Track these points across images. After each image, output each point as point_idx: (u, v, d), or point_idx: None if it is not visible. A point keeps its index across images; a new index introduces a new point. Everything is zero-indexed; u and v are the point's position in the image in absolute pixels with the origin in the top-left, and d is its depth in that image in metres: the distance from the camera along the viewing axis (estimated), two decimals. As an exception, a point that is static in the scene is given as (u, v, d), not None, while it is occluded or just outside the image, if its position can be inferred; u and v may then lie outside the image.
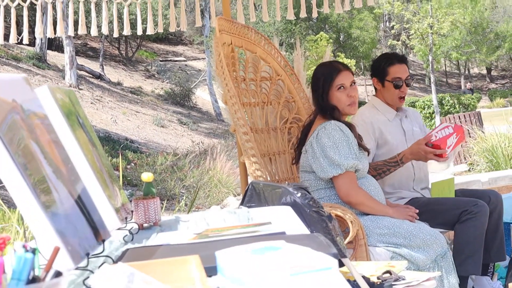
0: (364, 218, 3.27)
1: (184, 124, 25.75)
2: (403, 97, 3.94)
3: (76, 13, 4.32)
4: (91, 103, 23.27)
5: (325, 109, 3.49)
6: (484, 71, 54.50)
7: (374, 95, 4.06)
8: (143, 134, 22.30)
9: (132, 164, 14.41)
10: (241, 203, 2.92)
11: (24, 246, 0.96)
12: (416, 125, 4.06)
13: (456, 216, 3.54)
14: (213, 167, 12.71)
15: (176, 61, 39.01)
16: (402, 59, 3.95)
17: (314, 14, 4.82)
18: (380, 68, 3.91)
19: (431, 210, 3.61)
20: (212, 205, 10.77)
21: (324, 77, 3.51)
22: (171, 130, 24.43)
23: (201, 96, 32.63)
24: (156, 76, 34.76)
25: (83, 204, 1.49)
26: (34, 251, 0.95)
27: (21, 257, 0.91)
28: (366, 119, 3.81)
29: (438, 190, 3.91)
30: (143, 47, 38.29)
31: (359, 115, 3.90)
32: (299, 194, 2.49)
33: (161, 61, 37.68)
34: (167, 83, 32.68)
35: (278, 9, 4.82)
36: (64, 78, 24.45)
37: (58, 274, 0.94)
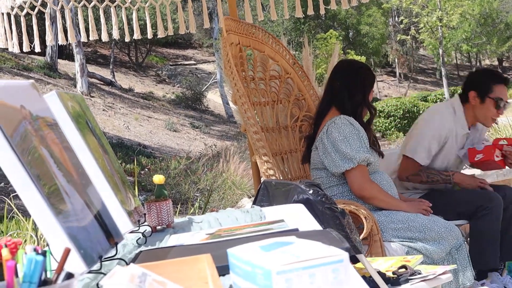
0: (378, 213, 3.26)
1: (197, 128, 25.78)
2: (495, 120, 3.90)
3: (85, 20, 4.34)
4: (103, 110, 23.36)
5: (358, 106, 3.48)
6: (496, 63, 54.13)
7: (461, 103, 3.93)
8: (156, 139, 22.35)
9: (146, 169, 14.43)
10: (254, 203, 2.93)
11: (35, 249, 0.97)
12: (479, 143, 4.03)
13: (471, 210, 3.55)
14: (226, 169, 12.71)
15: (186, 65, 39.06)
16: (506, 81, 3.90)
17: (322, 11, 4.82)
18: (483, 83, 3.83)
19: (446, 202, 3.62)
20: (227, 207, 10.76)
21: (370, 76, 3.57)
22: (184, 134, 24.47)
23: (213, 99, 32.67)
24: (167, 80, 34.85)
25: (95, 208, 1.50)
26: (44, 253, 0.95)
27: (32, 259, 0.91)
28: (444, 123, 3.81)
29: None
30: (153, 52, 38.36)
31: (438, 112, 3.90)
32: (311, 191, 2.49)
33: (171, 65, 37.76)
34: (178, 87, 32.75)
35: (286, 8, 4.81)
36: (75, 86, 24.57)
37: (69, 276, 0.95)
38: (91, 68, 29.38)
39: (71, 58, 28.85)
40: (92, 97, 24.29)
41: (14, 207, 4.97)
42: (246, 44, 3.89)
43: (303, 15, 4.75)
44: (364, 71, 3.56)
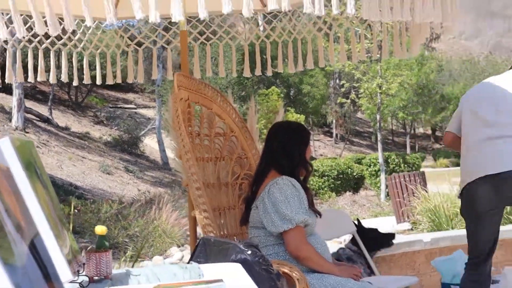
0: (310, 275, 3.31)
1: (131, 172, 25.54)
2: None
3: (35, 58, 4.33)
4: (37, 147, 22.92)
5: (296, 165, 3.56)
6: (429, 131, 55.96)
7: None
8: (88, 181, 22.02)
9: (76, 210, 14.16)
10: (191, 259, 2.94)
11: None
12: None
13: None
14: (158, 216, 12.60)
15: (126, 108, 38.84)
16: None
17: (269, 73, 4.96)
18: None
19: None
20: (155, 255, 10.66)
21: (306, 134, 3.65)
22: (117, 177, 24.19)
23: (149, 144, 32.50)
24: (105, 122, 34.54)
25: (39, 257, 1.51)
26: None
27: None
28: None
29: None
30: (94, 92, 38.07)
31: None
32: (249, 252, 2.54)
33: (110, 107, 37.49)
34: (115, 129, 32.49)
35: (234, 65, 4.93)
36: (10, 121, 24.10)
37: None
38: (29, 104, 28.89)
39: (8, 91, 28.32)
40: (27, 133, 23.86)
41: None
42: (195, 100, 3.95)
43: (251, 75, 4.87)
44: (299, 130, 3.67)
